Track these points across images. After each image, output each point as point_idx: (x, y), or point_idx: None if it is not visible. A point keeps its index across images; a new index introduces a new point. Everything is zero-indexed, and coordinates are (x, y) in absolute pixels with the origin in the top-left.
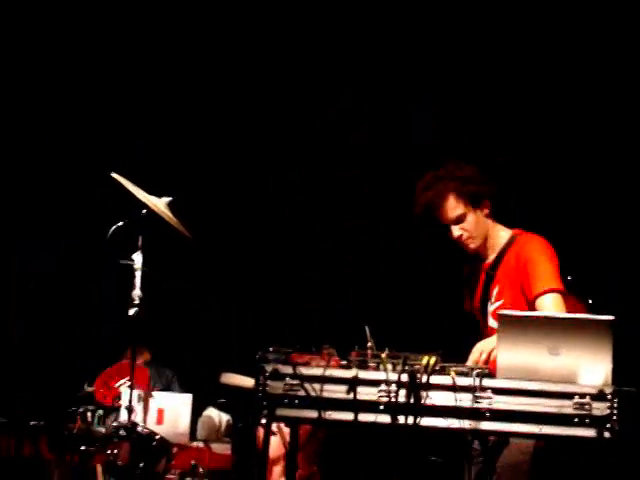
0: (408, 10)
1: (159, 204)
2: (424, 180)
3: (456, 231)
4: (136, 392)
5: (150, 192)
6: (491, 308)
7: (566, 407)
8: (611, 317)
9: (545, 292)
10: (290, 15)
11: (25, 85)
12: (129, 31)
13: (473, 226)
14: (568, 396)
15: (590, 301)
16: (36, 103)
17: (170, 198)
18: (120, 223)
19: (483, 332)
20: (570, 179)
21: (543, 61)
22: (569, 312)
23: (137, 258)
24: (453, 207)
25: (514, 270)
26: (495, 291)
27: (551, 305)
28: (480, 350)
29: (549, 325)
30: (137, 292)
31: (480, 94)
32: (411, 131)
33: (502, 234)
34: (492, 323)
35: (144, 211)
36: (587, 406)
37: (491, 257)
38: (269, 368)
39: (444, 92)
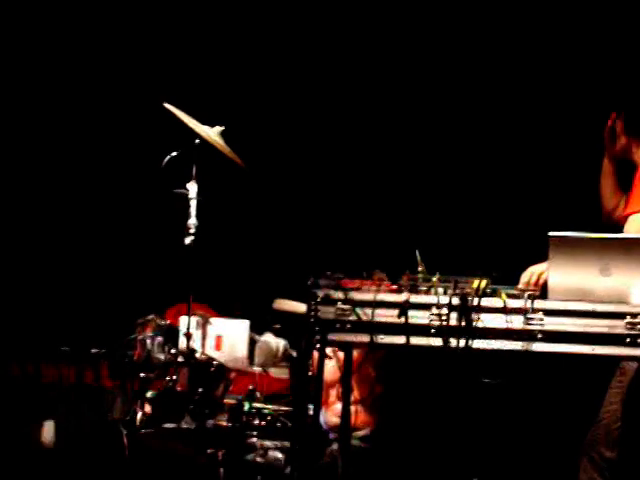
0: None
1: (212, 133)
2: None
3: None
4: (194, 319)
5: (203, 121)
6: None
7: (618, 327)
8: None
9: (634, 213)
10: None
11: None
12: None
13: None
14: (620, 316)
15: None
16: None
17: (222, 127)
18: (174, 153)
19: None
20: None
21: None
22: None
23: (191, 187)
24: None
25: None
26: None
27: (632, 227)
28: (530, 272)
29: (600, 246)
30: (193, 221)
31: None
32: None
33: None
34: None
35: (197, 140)
36: (639, 326)
37: None
38: (321, 293)
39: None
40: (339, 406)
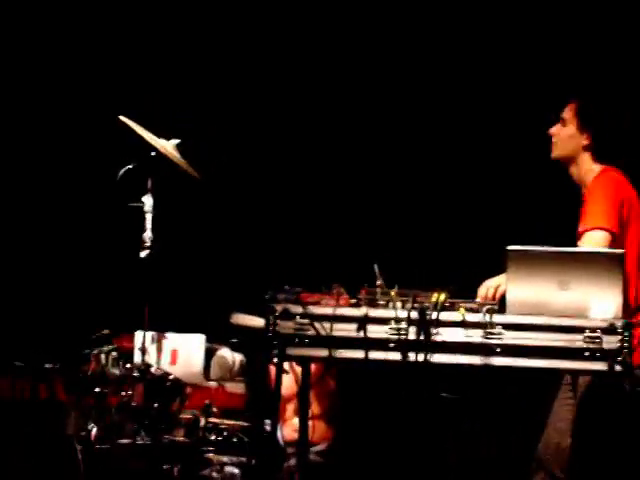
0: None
1: (168, 146)
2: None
3: (553, 128)
4: (149, 333)
5: (158, 135)
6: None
7: (577, 341)
8: (621, 250)
9: (587, 230)
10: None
11: (26, 24)
12: None
13: (564, 137)
14: (578, 330)
15: None
16: (41, 45)
17: (178, 140)
18: (129, 166)
19: None
20: None
21: None
22: None
23: (147, 200)
24: (568, 109)
25: (584, 207)
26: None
27: (588, 243)
28: (487, 286)
29: (558, 259)
30: (148, 234)
31: None
32: None
33: (593, 167)
34: None
35: (153, 153)
36: (598, 340)
37: (584, 191)
38: (279, 308)
39: None
40: (296, 421)
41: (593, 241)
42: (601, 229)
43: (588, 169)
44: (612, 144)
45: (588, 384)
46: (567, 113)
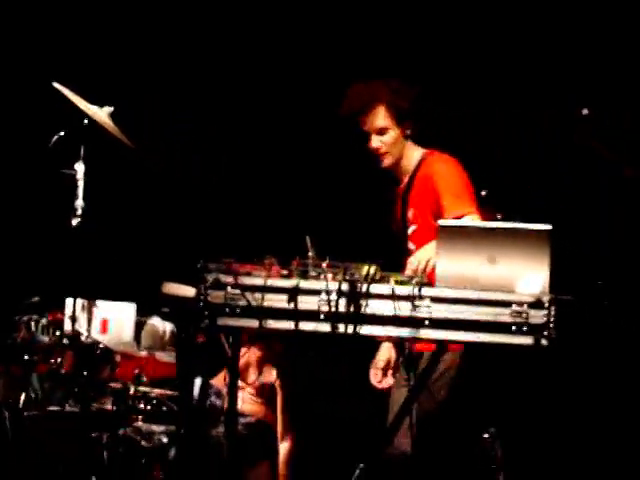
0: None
1: (101, 113)
2: (359, 82)
3: (375, 142)
4: (79, 301)
5: (92, 102)
6: (409, 232)
7: (503, 315)
8: (549, 226)
9: (462, 216)
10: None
11: None
12: None
13: (392, 142)
14: (505, 304)
15: (500, 216)
16: None
17: (112, 108)
18: (61, 133)
19: (405, 253)
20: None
21: None
22: None
23: (79, 168)
24: (381, 117)
25: (423, 193)
26: (410, 215)
27: None
28: (418, 259)
29: (487, 234)
30: (80, 202)
31: None
32: None
33: (415, 155)
34: (411, 246)
35: (86, 121)
36: (524, 314)
37: (405, 180)
38: (210, 278)
39: None
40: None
41: None
42: (471, 214)
43: (412, 156)
44: (424, 120)
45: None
46: (382, 120)
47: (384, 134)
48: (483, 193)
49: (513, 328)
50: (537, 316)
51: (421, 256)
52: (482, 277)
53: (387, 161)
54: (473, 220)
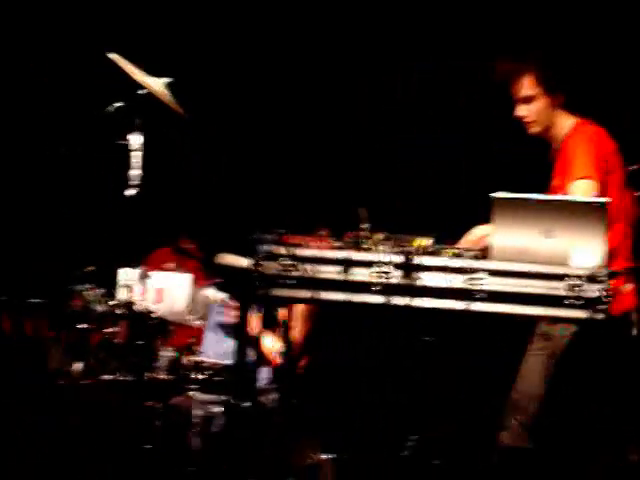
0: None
1: (158, 84)
2: (508, 52)
3: (520, 111)
4: (135, 271)
5: (149, 72)
6: None
7: (558, 288)
8: (605, 199)
9: (574, 180)
10: None
11: None
12: None
13: (538, 111)
14: (560, 277)
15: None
16: None
17: (169, 79)
18: (118, 103)
19: None
20: None
21: None
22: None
23: (134, 138)
24: (526, 86)
25: (563, 162)
26: (554, 183)
27: (577, 193)
28: (474, 234)
29: (543, 207)
30: (135, 172)
31: None
32: None
33: (566, 124)
34: None
35: (142, 91)
36: (579, 287)
37: (555, 147)
38: (264, 249)
39: None
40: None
41: (580, 190)
42: (587, 178)
43: (564, 125)
44: (580, 88)
45: (562, 336)
46: (528, 90)
47: (530, 103)
48: (632, 168)
49: (566, 302)
50: (592, 290)
51: (477, 231)
52: (538, 250)
53: (533, 129)
54: (580, 187)
